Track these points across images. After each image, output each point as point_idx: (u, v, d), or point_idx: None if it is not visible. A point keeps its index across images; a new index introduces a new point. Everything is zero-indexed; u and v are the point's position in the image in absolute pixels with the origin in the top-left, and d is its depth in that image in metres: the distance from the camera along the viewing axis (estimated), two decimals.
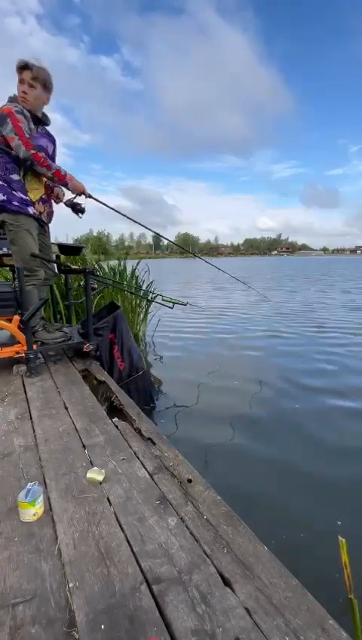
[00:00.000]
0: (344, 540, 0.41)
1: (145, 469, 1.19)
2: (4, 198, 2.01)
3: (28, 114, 2.03)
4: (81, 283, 3.97)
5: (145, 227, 2.95)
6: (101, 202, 2.38)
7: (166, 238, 3.13)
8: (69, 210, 2.39)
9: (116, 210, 2.58)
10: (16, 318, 2.10)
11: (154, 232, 3.13)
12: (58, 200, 2.40)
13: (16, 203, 2.04)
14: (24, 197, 2.08)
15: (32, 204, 2.13)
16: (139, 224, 2.89)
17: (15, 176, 2.03)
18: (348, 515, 1.53)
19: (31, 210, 2.11)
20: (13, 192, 2.03)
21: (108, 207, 2.52)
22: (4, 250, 2.40)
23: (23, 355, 2.08)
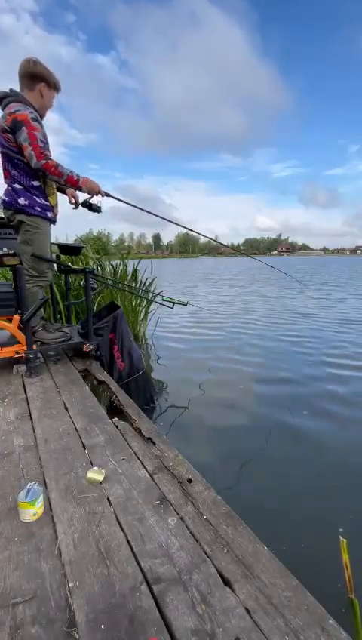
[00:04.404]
0: (345, 540, 0.41)
1: (145, 469, 1.19)
2: (26, 202, 2.03)
3: (39, 117, 2.04)
4: (81, 283, 3.97)
5: (172, 222, 2.77)
6: (118, 199, 2.35)
7: (192, 230, 2.90)
8: (69, 209, 2.39)
9: (137, 207, 2.55)
10: (16, 318, 2.10)
11: (186, 228, 2.98)
12: (76, 204, 2.36)
13: (38, 208, 2.07)
14: (45, 202, 2.11)
15: (51, 208, 2.16)
16: (161, 217, 2.73)
17: (35, 182, 2.05)
18: (350, 519, 1.52)
19: (50, 214, 2.15)
20: (35, 198, 2.06)
21: (128, 203, 2.43)
22: (4, 250, 2.40)
23: (23, 355, 2.08)
